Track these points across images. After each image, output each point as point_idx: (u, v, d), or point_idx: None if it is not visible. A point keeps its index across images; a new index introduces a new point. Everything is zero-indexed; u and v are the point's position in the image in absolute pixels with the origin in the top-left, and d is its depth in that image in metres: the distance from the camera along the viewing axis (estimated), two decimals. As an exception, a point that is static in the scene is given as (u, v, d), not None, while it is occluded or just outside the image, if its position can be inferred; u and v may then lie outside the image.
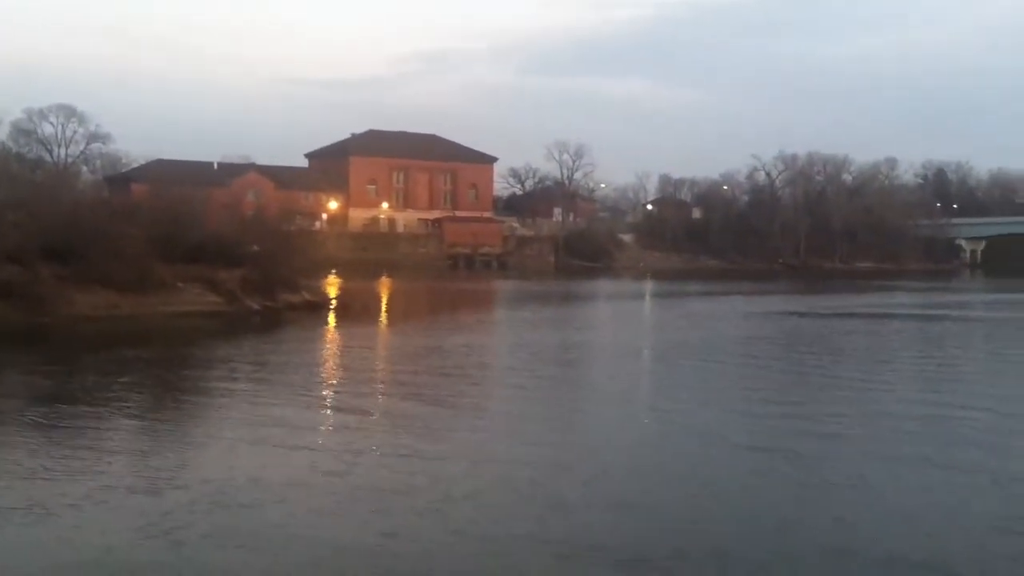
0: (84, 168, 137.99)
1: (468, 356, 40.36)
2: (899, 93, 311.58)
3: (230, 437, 23.09)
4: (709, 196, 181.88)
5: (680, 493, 18.96)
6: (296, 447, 21.97)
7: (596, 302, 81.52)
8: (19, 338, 42.23)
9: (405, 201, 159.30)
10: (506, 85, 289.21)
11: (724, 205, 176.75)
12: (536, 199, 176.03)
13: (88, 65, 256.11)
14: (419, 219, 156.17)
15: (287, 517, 16.76)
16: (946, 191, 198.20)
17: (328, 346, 45.07)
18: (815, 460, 21.60)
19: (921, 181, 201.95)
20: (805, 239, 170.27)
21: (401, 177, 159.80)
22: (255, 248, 61.89)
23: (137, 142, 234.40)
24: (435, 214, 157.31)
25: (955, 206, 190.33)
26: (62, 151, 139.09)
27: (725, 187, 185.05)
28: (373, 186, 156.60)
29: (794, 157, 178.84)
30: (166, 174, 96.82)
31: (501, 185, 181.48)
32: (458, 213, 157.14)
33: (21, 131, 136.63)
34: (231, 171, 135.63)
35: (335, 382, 33.42)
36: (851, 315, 64.88)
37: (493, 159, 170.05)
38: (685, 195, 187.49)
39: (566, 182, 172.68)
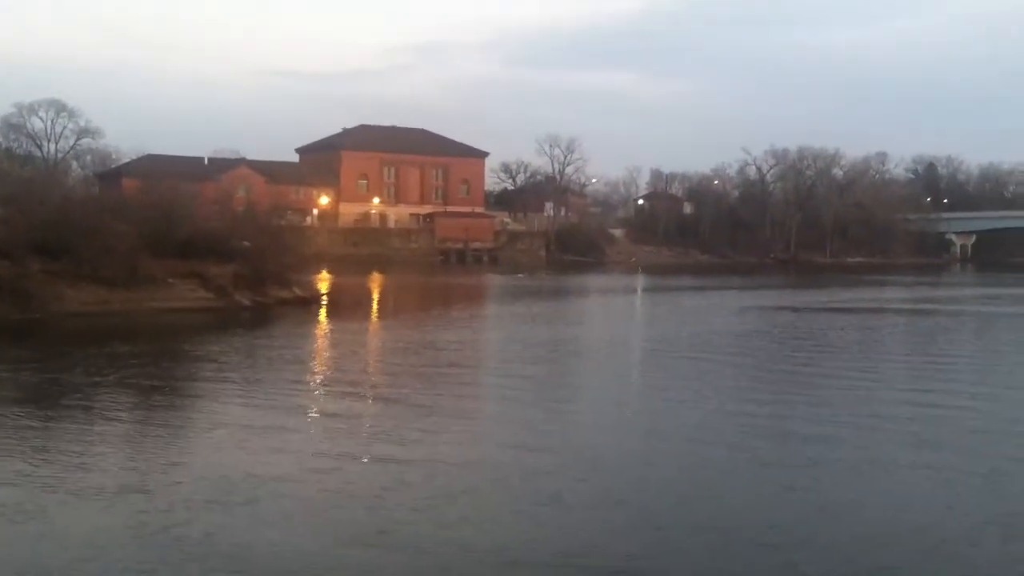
0: (74, 163, 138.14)
1: (459, 352, 40.31)
2: (890, 86, 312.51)
3: (221, 434, 22.98)
4: (700, 191, 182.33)
5: (669, 494, 18.93)
6: (287, 444, 21.87)
7: (588, 297, 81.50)
8: (8, 334, 42.04)
9: (396, 196, 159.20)
10: (496, 78, 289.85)
11: (715, 200, 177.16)
12: (527, 194, 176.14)
13: (78, 60, 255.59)
14: (410, 214, 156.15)
15: (279, 516, 16.70)
16: (936, 185, 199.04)
17: (319, 342, 44.97)
18: (808, 458, 21.58)
19: (912, 176, 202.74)
20: (796, 234, 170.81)
21: (392, 172, 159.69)
22: (246, 243, 61.71)
23: (127, 137, 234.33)
24: (426, 209, 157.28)
25: (945, 200, 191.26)
26: (52, 146, 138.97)
27: (716, 182, 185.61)
28: (364, 181, 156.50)
29: (785, 152, 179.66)
30: (156, 169, 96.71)
31: (492, 180, 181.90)
32: (449, 208, 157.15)
33: (11, 126, 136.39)
34: (221, 166, 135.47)
35: (325, 378, 33.31)
36: (844, 310, 64.96)
37: (484, 154, 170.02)
38: (676, 189, 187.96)
39: (557, 177, 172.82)
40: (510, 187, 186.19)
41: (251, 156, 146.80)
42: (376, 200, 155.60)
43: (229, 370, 33.96)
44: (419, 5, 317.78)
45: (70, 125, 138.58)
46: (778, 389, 31.25)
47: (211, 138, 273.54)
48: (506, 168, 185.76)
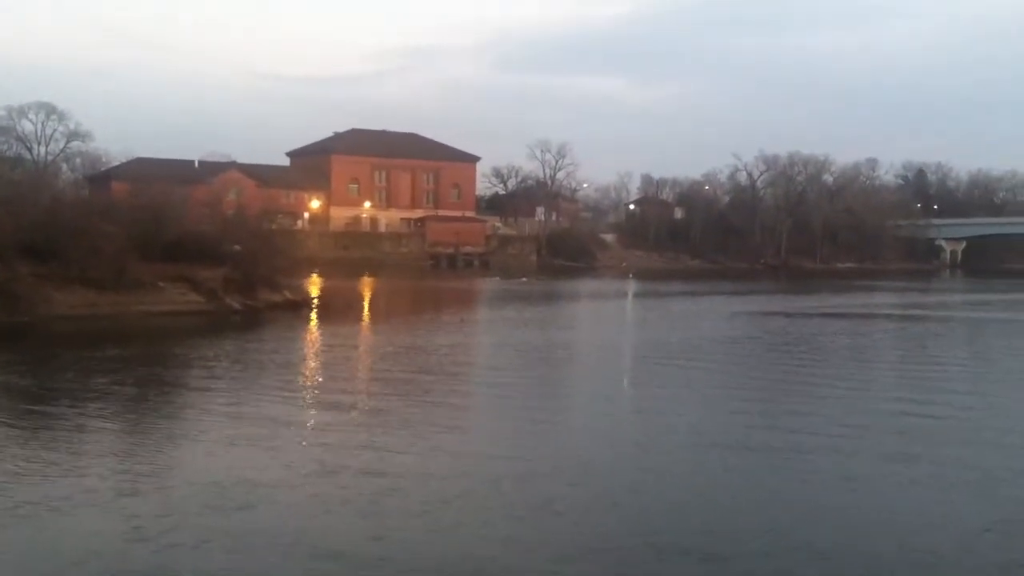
0: (64, 166, 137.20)
1: (449, 356, 40.22)
2: (880, 92, 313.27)
3: (212, 438, 22.88)
4: (691, 196, 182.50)
5: (662, 499, 18.87)
6: (278, 449, 21.77)
7: (579, 302, 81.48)
8: (-3, 337, 41.83)
9: (387, 200, 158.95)
10: (487, 83, 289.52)
11: (706, 205, 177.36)
12: (519, 198, 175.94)
13: (68, 63, 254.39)
14: (401, 218, 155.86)
15: (272, 519, 16.57)
16: (926, 192, 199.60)
17: (309, 346, 44.82)
18: (800, 463, 21.56)
19: (901, 182, 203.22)
20: (786, 239, 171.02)
21: (383, 176, 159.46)
22: (236, 247, 61.57)
23: (117, 140, 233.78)
24: (418, 213, 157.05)
25: (935, 207, 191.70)
26: (42, 149, 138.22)
27: (707, 187, 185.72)
28: (355, 185, 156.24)
29: (775, 157, 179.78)
30: (146, 172, 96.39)
31: (484, 184, 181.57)
32: (441, 212, 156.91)
33: (0, 129, 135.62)
34: (212, 169, 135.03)
35: (315, 383, 33.20)
36: (834, 316, 65.05)
37: (476, 158, 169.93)
38: (667, 195, 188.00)
39: (548, 182, 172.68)
40: (501, 192, 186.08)
41: (242, 159, 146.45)
42: (367, 204, 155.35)
43: (219, 375, 33.82)
44: (409, 9, 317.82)
45: (60, 128, 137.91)
46: (769, 395, 31.25)
47: (201, 141, 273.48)
48: (497, 173, 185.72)
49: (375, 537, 15.84)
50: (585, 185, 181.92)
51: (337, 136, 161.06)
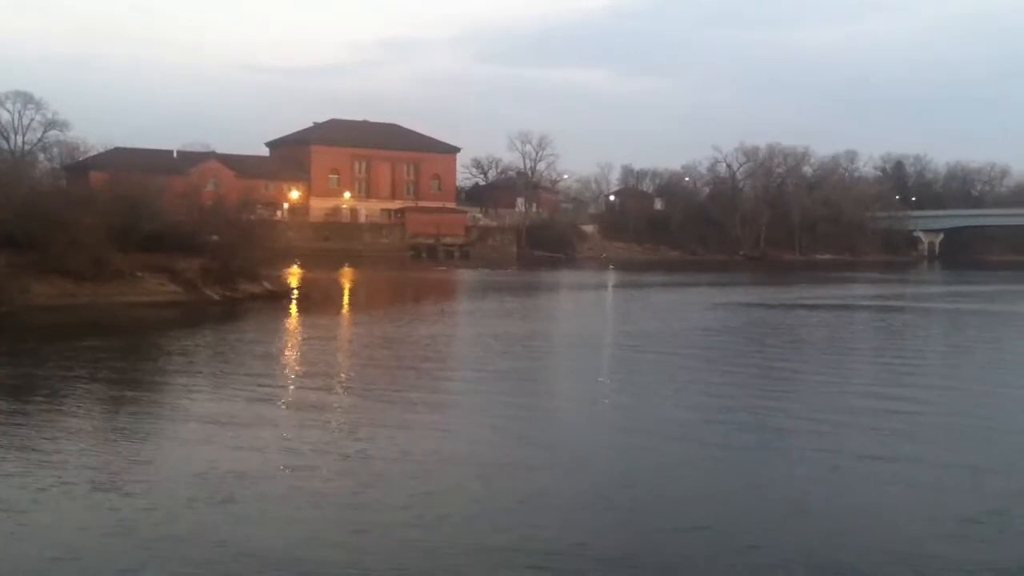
0: (41, 156, 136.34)
1: (431, 347, 40.14)
2: (860, 86, 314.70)
3: (191, 431, 22.69)
4: (671, 188, 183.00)
5: (648, 491, 18.88)
6: (260, 441, 21.63)
7: (559, 292, 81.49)
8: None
9: (367, 191, 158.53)
10: (468, 74, 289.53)
11: (686, 197, 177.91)
12: (499, 189, 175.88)
13: (46, 52, 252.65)
14: (382, 209, 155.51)
15: (256, 511, 16.47)
16: (905, 184, 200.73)
17: (289, 337, 44.61)
18: (784, 455, 21.63)
19: (880, 174, 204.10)
20: (765, 231, 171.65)
21: (363, 167, 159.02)
22: (215, 237, 61.23)
23: (95, 130, 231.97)
24: (398, 204, 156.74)
25: (913, 199, 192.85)
26: (19, 138, 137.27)
27: (687, 179, 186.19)
28: (335, 176, 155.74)
29: (755, 149, 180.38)
30: (124, 162, 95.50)
31: (464, 175, 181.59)
32: (421, 203, 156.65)
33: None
34: (191, 159, 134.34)
35: (296, 374, 33.02)
36: (814, 307, 65.31)
37: (456, 149, 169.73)
38: (647, 186, 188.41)
39: (529, 173, 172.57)
40: (481, 183, 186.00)
41: (221, 150, 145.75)
42: (347, 195, 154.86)
43: (200, 365, 33.63)
44: (390, 0, 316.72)
45: (37, 117, 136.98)
46: (750, 386, 31.29)
47: (180, 131, 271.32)
48: (477, 164, 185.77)
49: (360, 529, 15.76)
50: (566, 176, 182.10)
51: (317, 126, 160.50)
